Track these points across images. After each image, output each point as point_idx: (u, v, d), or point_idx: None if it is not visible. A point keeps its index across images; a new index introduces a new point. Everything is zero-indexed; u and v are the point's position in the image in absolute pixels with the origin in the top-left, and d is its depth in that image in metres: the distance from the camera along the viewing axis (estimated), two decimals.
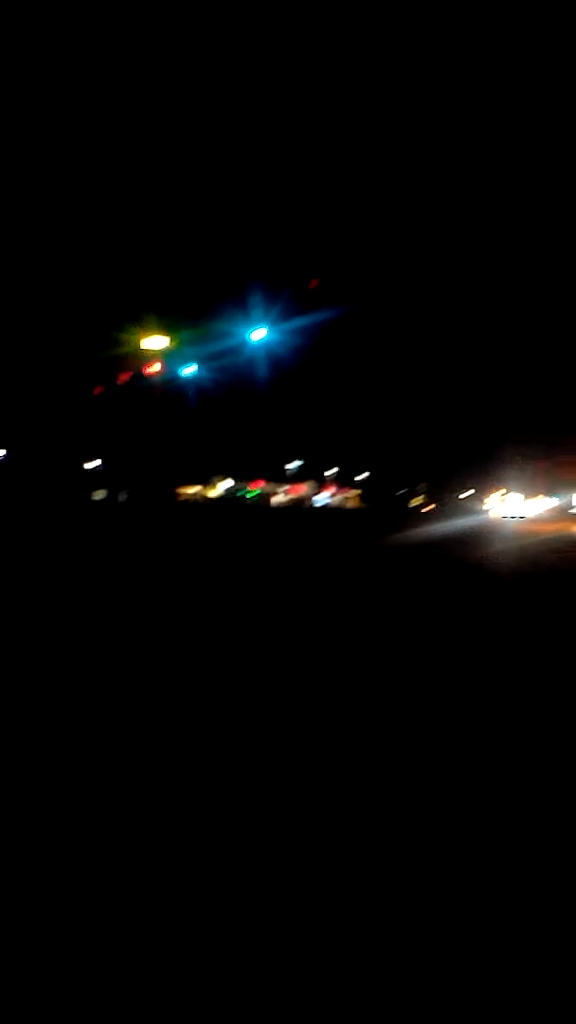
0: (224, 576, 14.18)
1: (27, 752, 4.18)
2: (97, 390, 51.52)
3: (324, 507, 77.40)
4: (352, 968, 2.30)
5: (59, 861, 2.90)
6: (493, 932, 2.50)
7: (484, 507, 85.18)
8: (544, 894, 2.77)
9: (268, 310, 43.34)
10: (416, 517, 56.03)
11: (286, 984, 2.22)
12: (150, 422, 49.92)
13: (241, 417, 58.98)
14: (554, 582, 14.74)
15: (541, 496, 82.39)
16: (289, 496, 79.26)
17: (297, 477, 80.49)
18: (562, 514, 68.75)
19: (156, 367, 45.20)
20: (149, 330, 42.56)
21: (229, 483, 74.05)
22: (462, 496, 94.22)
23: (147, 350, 43.58)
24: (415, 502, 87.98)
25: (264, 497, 76.59)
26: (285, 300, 44.15)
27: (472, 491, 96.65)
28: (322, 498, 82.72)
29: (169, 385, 47.78)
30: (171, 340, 43.83)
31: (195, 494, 66.11)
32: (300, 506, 74.28)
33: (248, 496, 75.39)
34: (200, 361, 47.54)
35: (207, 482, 70.19)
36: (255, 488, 76.98)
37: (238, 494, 74.56)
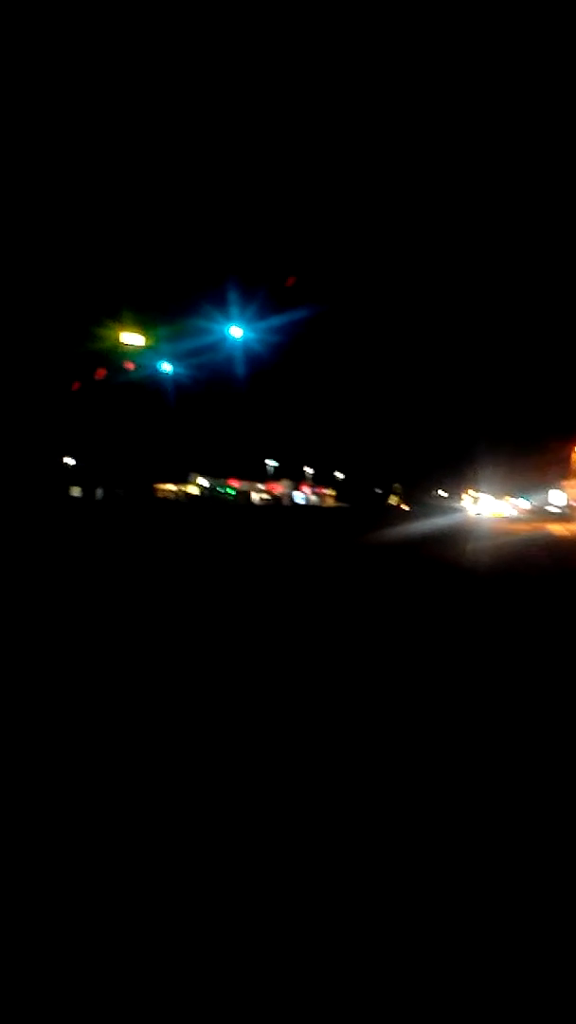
0: (208, 572, 14.15)
1: (16, 749, 4.15)
2: (74, 386, 51.12)
3: (302, 505, 77.51)
4: (352, 968, 2.30)
5: (59, 859, 2.90)
6: (493, 932, 2.50)
7: (459, 506, 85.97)
8: (543, 892, 2.77)
9: (245, 308, 43.34)
10: (393, 516, 56.27)
11: (286, 984, 2.22)
12: (128, 419, 49.63)
13: (218, 415, 58.85)
14: (534, 578, 14.91)
15: (512, 496, 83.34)
16: (267, 494, 79.28)
17: (274, 475, 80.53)
18: (537, 513, 69.64)
19: (133, 364, 44.97)
20: (126, 327, 42.34)
21: (206, 481, 73.87)
22: (437, 496, 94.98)
23: (124, 347, 43.35)
24: (391, 501, 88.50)
25: (242, 495, 76.53)
26: (262, 298, 44.18)
27: (446, 491, 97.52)
28: (300, 496, 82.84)
29: (147, 382, 47.55)
30: (148, 337, 43.66)
31: (173, 491, 65.83)
32: (279, 504, 74.31)
33: (227, 493, 75.27)
34: (177, 358, 47.39)
35: (185, 479, 69.95)
36: (232, 486, 76.89)
37: (216, 491, 74.41)
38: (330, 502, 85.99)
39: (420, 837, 3.22)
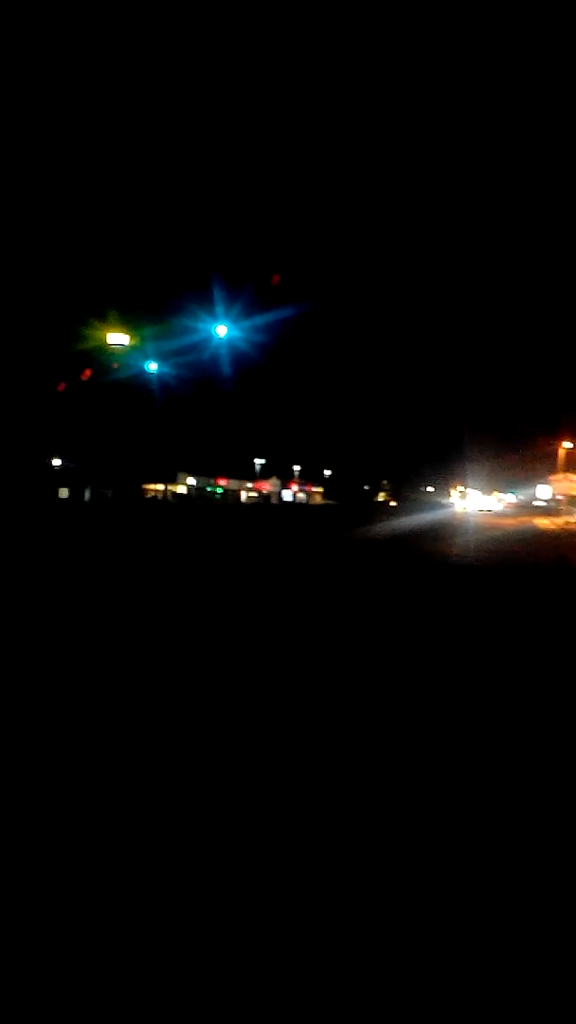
0: (197, 569, 14.20)
1: (13, 748, 4.13)
2: (60, 387, 50.94)
3: (291, 503, 77.56)
4: (352, 968, 2.29)
5: (59, 858, 2.89)
6: (493, 932, 2.49)
7: (447, 502, 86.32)
8: (543, 891, 2.76)
9: (230, 306, 43.32)
10: (381, 512, 56.45)
11: (286, 984, 2.22)
12: (115, 419, 49.53)
13: (206, 414, 58.84)
14: (522, 570, 15.06)
15: (499, 492, 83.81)
16: (256, 492, 79.28)
17: (262, 474, 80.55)
18: (524, 508, 70.05)
19: (119, 364, 44.87)
20: (112, 327, 42.23)
21: (194, 480, 73.79)
22: (425, 492, 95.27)
23: (110, 347, 43.24)
24: (380, 498, 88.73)
25: (231, 493, 76.52)
26: (247, 296, 44.19)
27: (434, 487, 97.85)
28: (288, 494, 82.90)
29: (133, 382, 47.46)
30: (133, 337, 43.55)
31: (161, 491, 65.75)
32: (267, 502, 74.35)
33: (215, 492, 75.23)
34: (163, 358, 47.33)
35: (173, 479, 69.85)
36: (221, 485, 76.85)
37: (205, 490, 74.35)
38: (318, 499, 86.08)
39: (414, 828, 3.22)
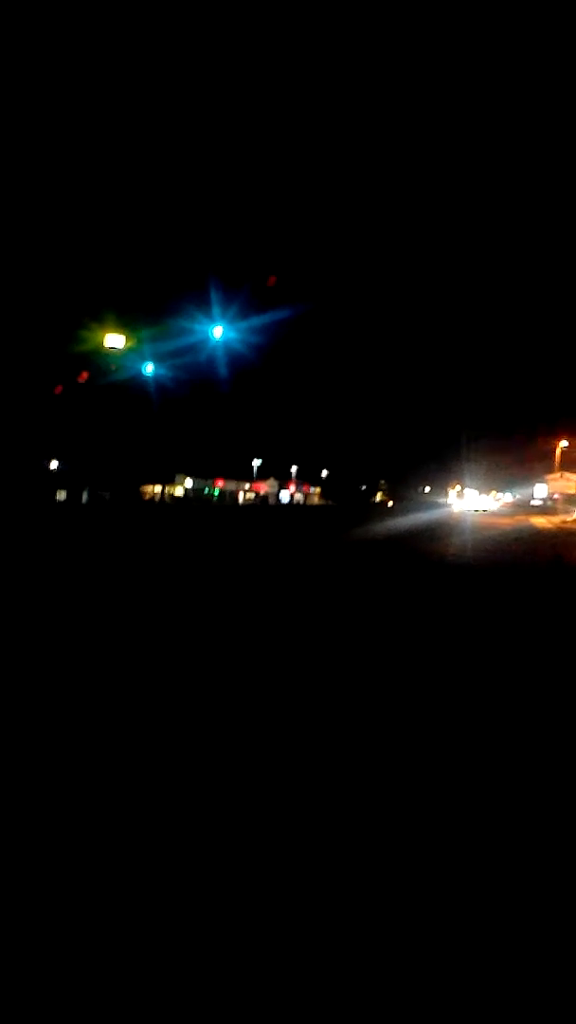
0: (198, 571, 14.26)
1: (15, 748, 4.15)
2: (57, 390, 50.95)
3: (288, 504, 77.63)
4: (352, 968, 2.29)
5: (60, 858, 2.90)
6: (493, 932, 2.49)
7: (445, 502, 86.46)
8: (543, 891, 2.76)
9: (226, 308, 43.40)
10: (378, 512, 56.52)
11: (286, 983, 2.22)
12: (112, 421, 49.56)
13: (203, 415, 58.91)
14: (518, 569, 15.15)
15: (496, 491, 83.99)
16: (253, 493, 79.36)
17: (260, 475, 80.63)
18: (521, 507, 70.20)
19: (116, 366, 44.92)
20: (108, 329, 42.29)
21: (191, 481, 73.84)
22: (422, 492, 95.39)
23: (107, 349, 43.29)
24: (377, 498, 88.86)
25: (228, 494, 76.58)
26: (243, 298, 44.28)
27: (431, 487, 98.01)
28: (285, 495, 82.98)
29: (130, 384, 47.50)
30: (130, 339, 43.61)
31: (159, 493, 65.79)
32: (265, 503, 74.40)
33: (212, 493, 75.29)
34: (160, 359, 47.39)
35: (171, 481, 69.90)
36: (218, 486, 76.90)
37: (202, 491, 74.41)
38: (316, 500, 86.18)
39: (413, 823, 3.23)
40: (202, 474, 74.06)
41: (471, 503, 74.72)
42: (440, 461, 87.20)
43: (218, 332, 44.30)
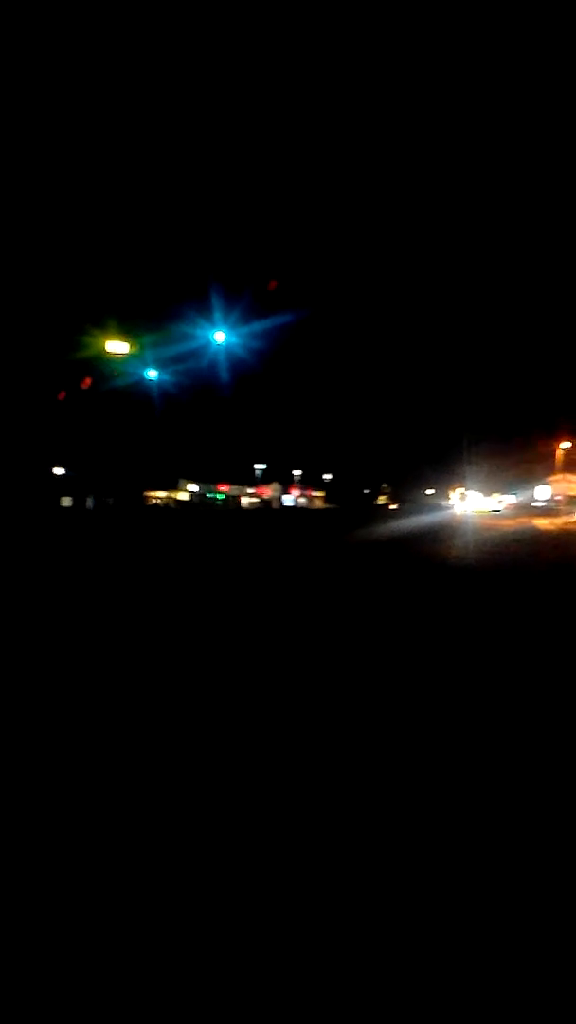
0: (204, 575, 14.43)
1: (17, 751, 4.22)
2: (61, 396, 51.25)
3: (292, 507, 77.82)
4: (352, 968, 2.30)
5: (60, 859, 2.92)
6: (493, 932, 2.49)
7: (447, 504, 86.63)
8: (544, 892, 2.76)
9: (228, 313, 43.76)
10: (381, 515, 56.72)
11: (286, 984, 2.23)
12: (115, 427, 49.82)
13: (206, 420, 59.13)
14: (520, 570, 15.30)
15: (499, 493, 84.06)
16: (256, 498, 79.55)
17: (263, 479, 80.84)
18: (523, 509, 70.35)
19: (119, 372, 45.23)
20: (111, 335, 42.63)
21: (195, 487, 74.05)
22: (425, 494, 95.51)
23: (110, 355, 43.63)
24: (380, 501, 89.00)
25: (232, 499, 76.78)
26: (245, 303, 44.60)
27: (433, 490, 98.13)
28: (289, 499, 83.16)
29: (133, 390, 47.79)
30: (133, 345, 43.95)
31: (163, 498, 66.03)
32: (268, 507, 74.59)
33: (216, 498, 75.47)
34: (162, 365, 47.69)
35: (174, 486, 70.13)
36: (222, 491, 77.10)
37: (206, 496, 74.60)
38: (319, 504, 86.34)
39: (417, 829, 3.23)
40: (206, 479, 74.29)
41: (473, 505, 74.96)
42: (442, 464, 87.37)
43: (220, 337, 44.71)
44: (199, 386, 50.30)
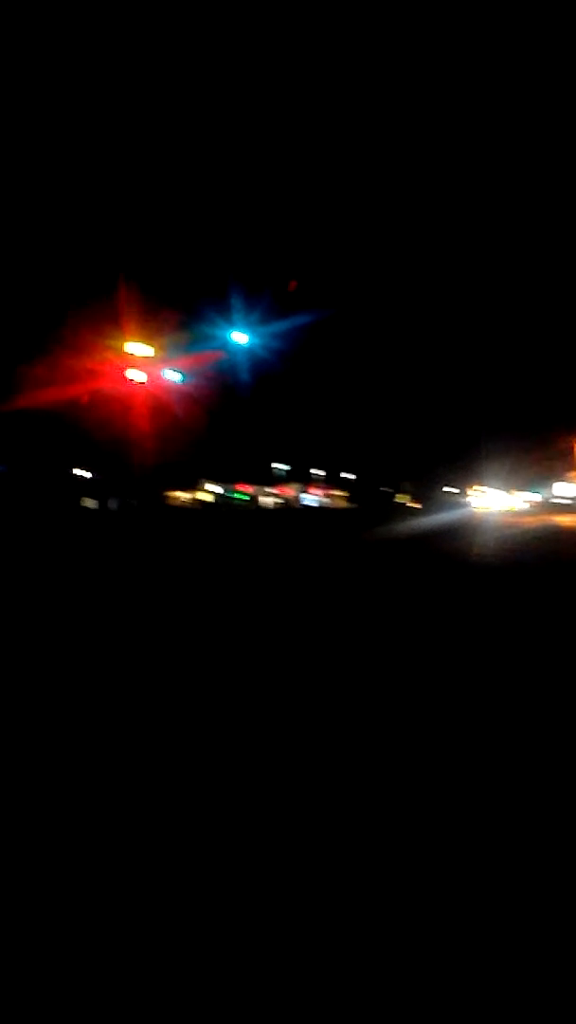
0: (229, 575, 14.63)
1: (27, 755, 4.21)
2: (83, 399, 51.73)
3: (312, 507, 78.01)
4: (352, 967, 2.30)
5: (59, 861, 2.92)
6: (493, 932, 2.49)
7: (467, 501, 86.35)
8: (544, 893, 2.75)
9: (248, 313, 44.02)
10: (403, 513, 56.80)
11: (286, 984, 2.23)
12: (136, 429, 50.28)
13: (225, 421, 59.49)
14: (540, 568, 15.38)
15: (520, 490, 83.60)
16: (277, 497, 79.82)
17: (283, 479, 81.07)
18: (543, 506, 70.00)
19: (140, 374, 45.68)
20: (132, 337, 43.08)
21: (217, 487, 74.43)
22: (445, 492, 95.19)
23: (130, 357, 44.08)
24: (401, 499, 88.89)
25: (252, 499, 77.07)
26: (265, 304, 44.86)
27: (454, 487, 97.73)
28: (310, 499, 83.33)
29: (153, 391, 48.24)
30: (154, 347, 44.38)
31: (186, 498, 66.54)
32: (290, 507, 74.85)
33: (237, 499, 75.81)
34: (182, 367, 48.10)
35: (195, 486, 70.57)
36: (243, 491, 77.41)
37: (228, 497, 74.96)
38: (340, 503, 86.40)
39: (419, 832, 3.20)
40: (227, 479, 74.62)
41: (494, 502, 74.71)
42: (463, 461, 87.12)
43: (240, 338, 45.05)
44: (220, 387, 50.66)
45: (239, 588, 11.90)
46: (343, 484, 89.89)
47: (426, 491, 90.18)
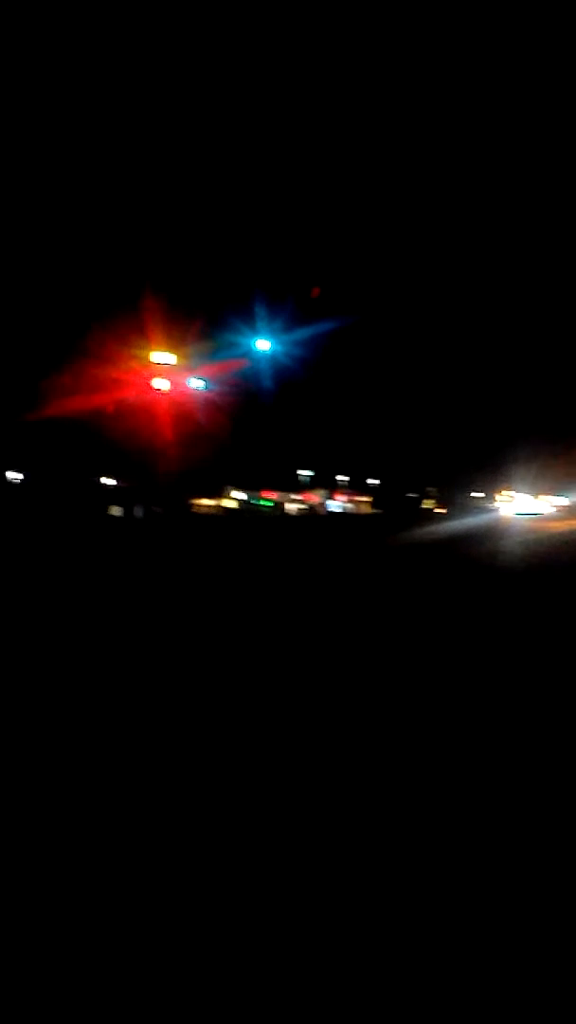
0: (253, 581, 14.70)
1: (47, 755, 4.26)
2: (109, 408, 52.23)
3: (338, 513, 77.91)
4: (352, 967, 2.30)
5: (60, 861, 2.93)
6: (493, 932, 2.48)
7: (495, 506, 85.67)
8: (544, 893, 2.73)
9: (271, 321, 44.18)
10: (427, 519, 56.47)
11: (286, 984, 2.22)
12: (161, 437, 50.62)
13: (250, 428, 59.68)
14: (567, 574, 15.23)
15: (549, 494, 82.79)
16: (302, 504, 79.87)
17: (308, 485, 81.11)
18: (571, 510, 69.18)
19: (164, 382, 46.02)
20: (156, 346, 43.46)
21: (242, 494, 74.64)
22: (472, 497, 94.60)
23: (155, 365, 44.45)
24: (427, 504, 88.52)
25: (278, 506, 77.20)
26: (288, 310, 44.98)
27: (482, 492, 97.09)
28: (335, 505, 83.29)
29: (177, 399, 48.56)
30: (178, 355, 44.72)
31: (210, 506, 66.80)
32: (315, 513, 74.82)
33: (262, 505, 75.96)
34: (207, 374, 48.38)
35: (220, 494, 70.83)
36: (267, 497, 77.56)
37: (253, 504, 75.14)
38: (365, 509, 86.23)
39: (420, 833, 3.19)
40: (251, 486, 74.79)
41: (522, 507, 73.94)
42: (489, 466, 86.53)
43: (264, 345, 45.21)
44: (244, 394, 50.87)
45: (261, 595, 11.86)
46: (368, 490, 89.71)
47: (452, 496, 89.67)
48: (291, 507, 78.63)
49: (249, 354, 45.86)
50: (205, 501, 67.26)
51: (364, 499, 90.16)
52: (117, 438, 52.94)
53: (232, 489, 73.57)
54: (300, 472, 78.80)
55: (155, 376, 45.74)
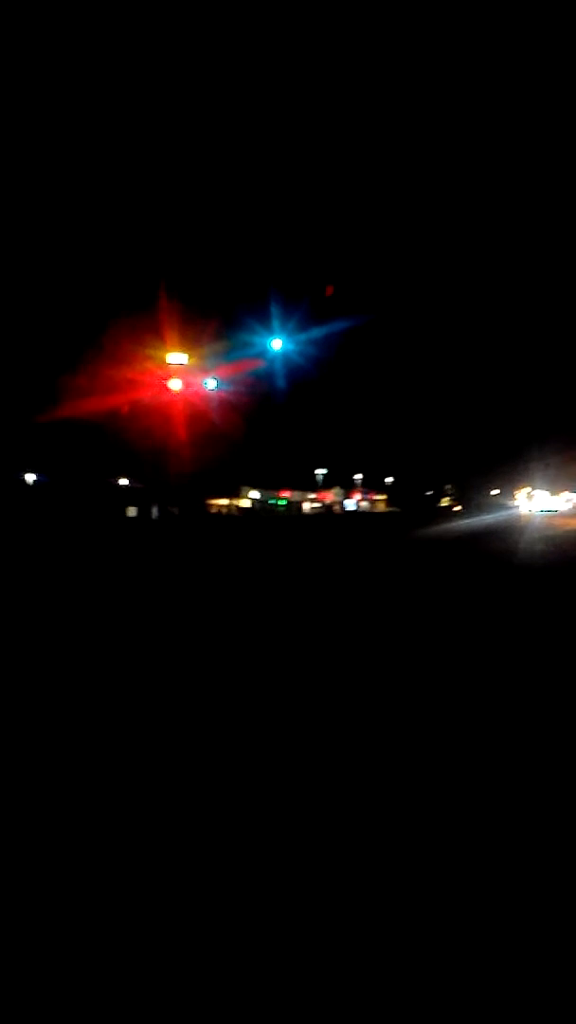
0: (270, 579, 14.62)
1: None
2: (124, 409, 52.41)
3: (354, 512, 77.80)
4: (352, 967, 2.28)
5: (60, 860, 2.91)
6: (493, 931, 2.46)
7: (512, 504, 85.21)
8: (544, 893, 2.70)
9: (285, 320, 44.12)
10: (445, 517, 56.22)
11: (286, 984, 2.21)
12: (176, 437, 50.73)
13: (265, 427, 59.69)
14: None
15: (566, 492, 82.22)
16: (318, 503, 79.83)
17: (324, 484, 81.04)
18: None
19: (179, 383, 46.09)
20: (171, 346, 43.54)
21: (257, 494, 74.72)
22: (489, 495, 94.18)
23: (170, 366, 44.53)
24: (443, 502, 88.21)
25: (294, 505, 77.21)
26: (302, 310, 44.92)
27: (499, 489, 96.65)
28: (351, 503, 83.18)
29: (193, 399, 48.62)
30: (193, 356, 44.78)
31: (225, 506, 66.89)
32: (330, 512, 74.74)
33: (278, 505, 76.01)
34: (222, 374, 48.41)
35: (236, 493, 70.91)
36: (283, 497, 77.59)
37: (268, 503, 75.20)
38: (381, 507, 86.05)
39: (421, 833, 3.15)
40: (267, 485, 74.84)
41: (540, 505, 73.43)
42: (507, 464, 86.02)
43: (277, 344, 45.14)
44: (258, 393, 50.87)
45: (275, 592, 11.81)
46: (385, 488, 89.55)
47: (470, 494, 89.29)
48: (307, 506, 78.61)
49: (263, 354, 45.80)
50: (220, 501, 67.35)
51: (380, 497, 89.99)
52: (132, 439, 53.14)
53: (247, 488, 73.64)
54: (316, 471, 78.72)
55: (170, 376, 45.79)
